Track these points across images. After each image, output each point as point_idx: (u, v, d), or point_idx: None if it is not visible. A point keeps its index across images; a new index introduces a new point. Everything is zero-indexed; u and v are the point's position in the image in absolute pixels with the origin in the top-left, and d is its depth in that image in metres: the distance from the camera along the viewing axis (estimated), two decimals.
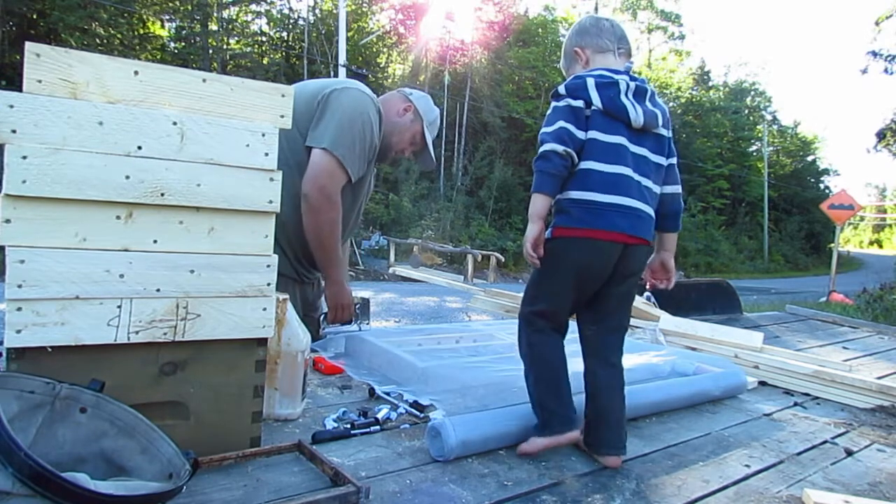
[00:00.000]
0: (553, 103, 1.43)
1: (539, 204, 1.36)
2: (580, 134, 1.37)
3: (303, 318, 2.19)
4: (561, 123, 1.36)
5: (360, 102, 1.94)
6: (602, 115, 1.38)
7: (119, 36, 18.24)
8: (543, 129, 1.38)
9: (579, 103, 1.38)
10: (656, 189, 1.46)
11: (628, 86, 1.41)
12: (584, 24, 1.55)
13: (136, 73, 1.09)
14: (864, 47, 15.70)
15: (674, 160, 1.51)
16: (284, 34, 24.99)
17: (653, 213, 1.44)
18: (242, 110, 1.19)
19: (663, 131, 1.47)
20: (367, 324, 2.26)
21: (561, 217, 1.39)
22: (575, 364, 1.45)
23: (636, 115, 1.39)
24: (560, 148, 1.34)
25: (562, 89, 1.42)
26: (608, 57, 1.50)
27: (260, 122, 1.20)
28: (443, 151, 22.20)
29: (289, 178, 1.82)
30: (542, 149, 1.36)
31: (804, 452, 1.56)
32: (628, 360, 2.05)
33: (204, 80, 1.15)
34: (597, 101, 1.38)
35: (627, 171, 1.38)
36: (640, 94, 1.43)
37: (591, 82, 1.39)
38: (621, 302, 1.47)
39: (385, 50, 26.44)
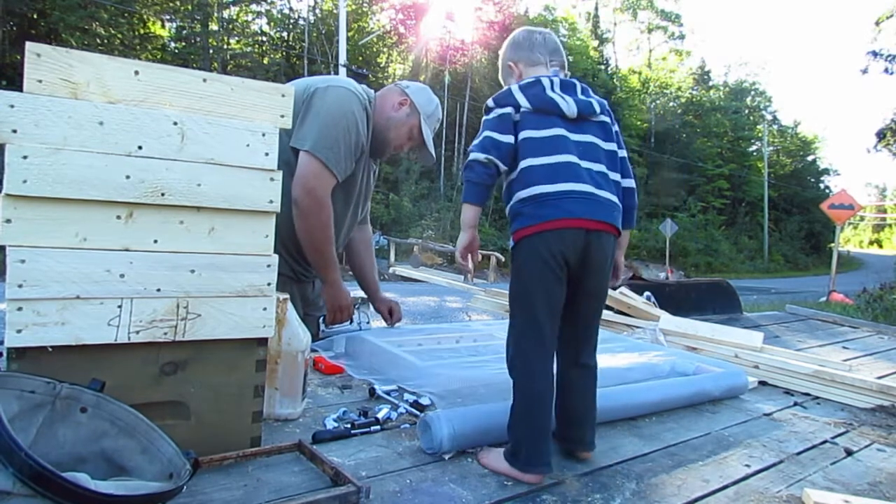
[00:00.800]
0: (484, 118, 1.44)
1: (468, 213, 1.38)
2: (506, 138, 1.37)
3: (303, 316, 2.19)
4: (485, 133, 1.38)
5: (343, 100, 1.91)
6: (533, 114, 1.39)
7: (119, 36, 18.27)
8: (482, 136, 1.39)
9: (507, 110, 1.39)
10: (614, 176, 1.41)
11: (552, 81, 1.42)
12: (517, 38, 1.57)
13: (136, 73, 1.09)
14: (864, 47, 15.72)
15: (624, 153, 1.49)
16: (285, 34, 25.02)
17: (615, 200, 1.38)
18: (243, 110, 1.19)
19: (605, 118, 1.45)
20: (368, 323, 2.26)
21: (516, 221, 1.36)
22: None
23: (567, 105, 1.39)
24: (481, 156, 1.35)
25: (490, 102, 1.44)
26: (539, 69, 1.51)
27: (260, 122, 1.20)
28: (443, 151, 22.21)
29: (286, 178, 1.81)
30: (470, 156, 1.38)
31: (804, 452, 1.57)
32: (628, 359, 2.06)
33: (204, 80, 1.15)
34: (524, 101, 1.39)
35: (571, 158, 1.35)
36: (567, 87, 1.43)
37: (514, 88, 1.42)
38: (593, 300, 1.40)
39: (385, 50, 26.46)
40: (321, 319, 2.17)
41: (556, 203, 1.31)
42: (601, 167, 1.39)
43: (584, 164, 1.36)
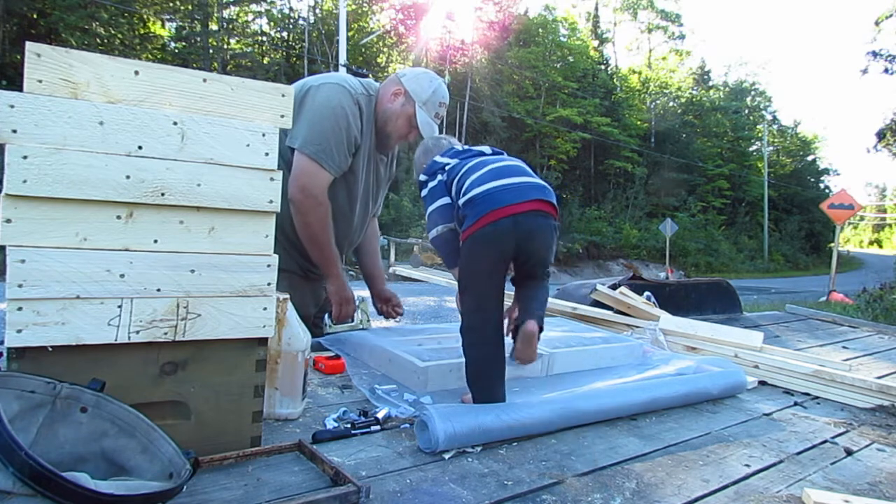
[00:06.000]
0: (422, 193, 1.73)
1: (457, 273, 1.65)
2: (443, 201, 1.66)
3: (317, 314, 2.19)
4: (428, 211, 1.69)
5: (333, 96, 1.91)
6: (458, 159, 1.70)
7: (119, 36, 18.27)
8: (427, 214, 1.70)
9: (437, 177, 1.69)
10: (539, 179, 1.62)
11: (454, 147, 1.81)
12: (427, 145, 1.92)
13: (136, 72, 1.09)
14: (864, 47, 15.70)
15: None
16: (285, 34, 25.03)
17: (543, 183, 1.60)
18: (243, 110, 1.19)
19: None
20: (369, 321, 2.25)
21: (463, 223, 1.57)
22: None
23: (478, 148, 1.76)
24: (435, 232, 1.67)
25: (422, 177, 1.75)
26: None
27: (260, 122, 1.20)
28: None
29: (286, 177, 1.81)
30: (430, 236, 1.69)
31: (804, 452, 1.57)
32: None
33: (204, 80, 1.15)
34: (447, 159, 1.72)
35: (499, 163, 1.62)
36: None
37: (437, 157, 1.75)
38: (531, 280, 1.63)
39: (385, 50, 26.46)
40: (326, 316, 2.17)
41: (489, 197, 1.53)
42: (523, 167, 1.65)
43: (504, 168, 1.62)
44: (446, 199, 1.66)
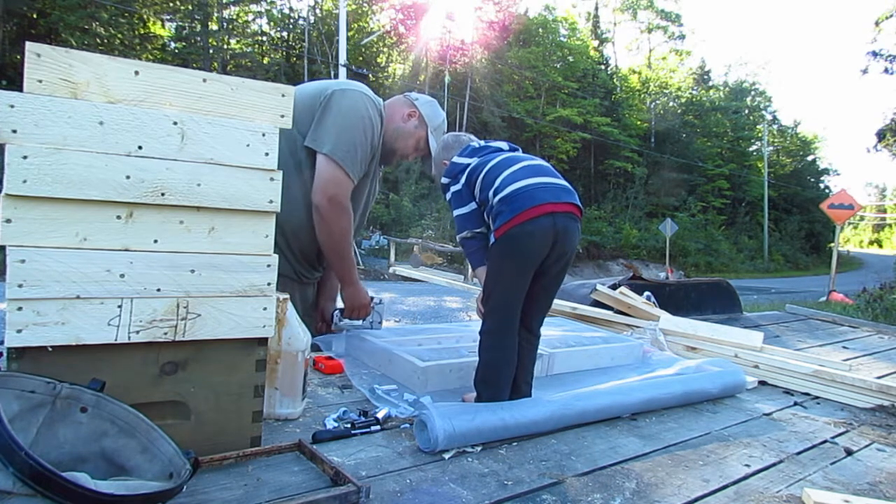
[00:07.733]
0: (446, 196, 1.73)
1: (481, 273, 1.65)
2: (468, 208, 1.65)
3: (303, 317, 2.18)
4: (454, 214, 1.69)
5: (361, 104, 1.94)
6: (477, 157, 1.68)
7: (119, 36, 18.28)
8: (454, 217, 1.70)
9: (459, 180, 1.68)
10: (561, 179, 1.62)
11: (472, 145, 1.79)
12: (448, 141, 1.91)
13: (136, 73, 1.09)
14: (864, 47, 15.71)
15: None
16: (285, 34, 25.04)
17: (570, 186, 1.61)
18: (243, 110, 1.19)
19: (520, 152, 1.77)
20: (380, 322, 2.25)
21: (498, 219, 1.54)
22: None
23: (495, 143, 1.76)
24: (465, 234, 1.66)
25: (444, 180, 1.73)
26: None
27: (260, 122, 1.20)
28: None
29: (287, 178, 1.81)
30: (458, 237, 1.70)
31: (804, 452, 1.57)
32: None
33: (204, 80, 1.15)
34: (466, 159, 1.70)
35: (527, 162, 1.62)
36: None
37: (455, 158, 1.73)
38: (551, 283, 1.61)
39: (385, 50, 26.47)
40: (337, 313, 2.19)
41: (526, 194, 1.51)
42: (551, 168, 1.66)
43: (537, 162, 1.65)
44: (473, 204, 1.65)
